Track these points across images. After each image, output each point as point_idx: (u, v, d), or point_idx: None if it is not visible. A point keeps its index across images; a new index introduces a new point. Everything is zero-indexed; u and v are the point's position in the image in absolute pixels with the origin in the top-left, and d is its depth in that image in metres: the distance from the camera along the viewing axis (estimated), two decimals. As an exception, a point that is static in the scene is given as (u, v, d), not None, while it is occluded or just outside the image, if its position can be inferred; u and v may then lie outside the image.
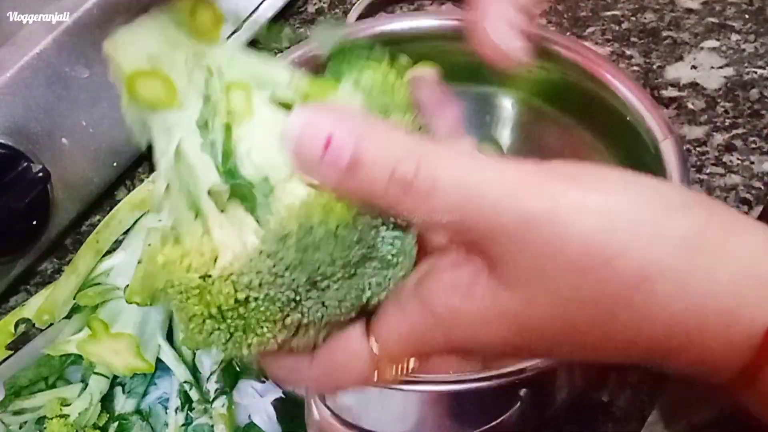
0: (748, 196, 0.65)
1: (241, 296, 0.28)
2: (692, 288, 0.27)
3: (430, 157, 0.28)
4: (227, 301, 0.28)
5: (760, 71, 0.73)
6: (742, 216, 0.29)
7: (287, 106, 0.31)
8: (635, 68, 0.74)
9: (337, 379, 0.32)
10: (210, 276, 0.28)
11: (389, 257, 0.31)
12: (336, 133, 0.28)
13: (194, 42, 0.31)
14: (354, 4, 0.63)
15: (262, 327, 0.29)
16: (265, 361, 0.33)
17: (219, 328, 0.29)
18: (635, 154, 0.52)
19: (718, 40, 0.76)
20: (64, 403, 0.53)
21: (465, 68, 0.61)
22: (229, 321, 0.29)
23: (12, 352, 0.56)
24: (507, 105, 0.62)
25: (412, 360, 0.32)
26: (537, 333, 0.30)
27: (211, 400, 0.53)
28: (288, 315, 0.29)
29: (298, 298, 0.29)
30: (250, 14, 0.77)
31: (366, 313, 0.32)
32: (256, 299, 0.29)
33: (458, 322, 0.30)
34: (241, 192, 0.30)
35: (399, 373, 0.32)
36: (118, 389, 0.55)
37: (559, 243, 0.27)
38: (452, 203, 0.28)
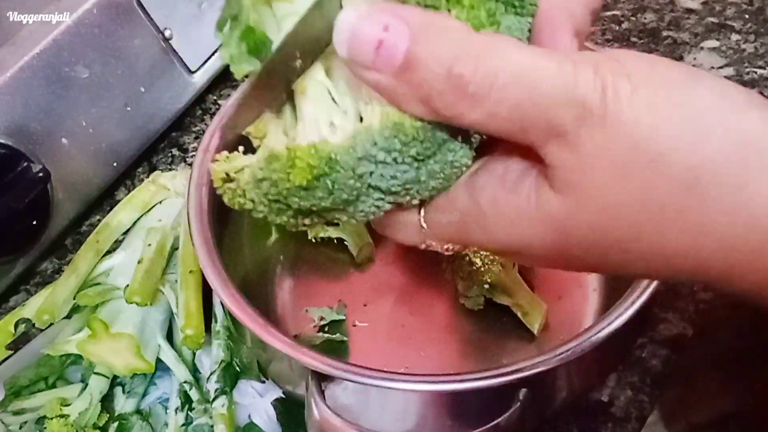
0: (748, 196, 0.65)
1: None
2: (752, 196, 0.25)
3: (489, 53, 0.27)
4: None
5: (760, 71, 0.73)
6: None
7: None
8: (635, 68, 0.74)
9: (391, 232, 0.33)
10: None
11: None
12: (391, 27, 0.26)
13: None
14: (354, 4, 0.63)
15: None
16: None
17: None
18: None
19: (718, 40, 0.76)
20: (64, 403, 0.53)
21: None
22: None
23: (12, 352, 0.56)
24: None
25: (456, 246, 0.32)
26: (577, 239, 0.28)
27: (211, 400, 0.53)
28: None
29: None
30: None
31: None
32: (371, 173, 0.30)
33: (500, 215, 0.29)
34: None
35: (445, 250, 0.32)
36: (118, 389, 0.55)
37: (607, 140, 0.26)
38: (512, 102, 0.27)
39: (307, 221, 0.32)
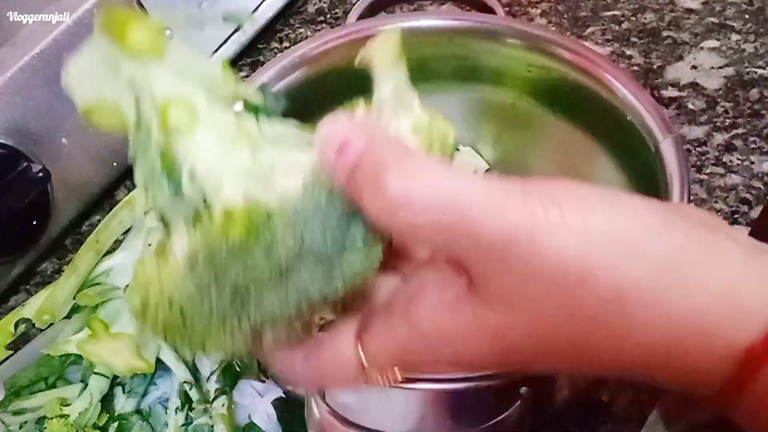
0: (748, 196, 0.65)
1: (175, 309, 0.29)
2: (669, 308, 0.28)
3: (420, 172, 0.29)
4: (168, 314, 0.29)
5: (760, 71, 0.73)
6: (723, 236, 0.30)
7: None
8: (635, 68, 0.74)
9: (329, 381, 0.34)
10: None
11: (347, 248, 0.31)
12: (351, 140, 0.30)
13: (136, 61, 0.30)
14: (354, 4, 0.63)
15: (210, 332, 0.30)
16: (264, 358, 0.34)
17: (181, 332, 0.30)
18: (635, 154, 0.52)
19: (718, 40, 0.76)
20: (64, 403, 0.53)
21: (464, 68, 0.61)
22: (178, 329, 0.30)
23: (12, 352, 0.56)
24: (506, 105, 0.62)
25: (399, 372, 0.33)
26: (516, 350, 0.31)
27: (211, 400, 0.53)
28: (229, 323, 0.30)
29: (231, 307, 0.30)
30: (251, 14, 0.77)
31: (344, 306, 0.33)
32: (190, 310, 0.29)
33: (444, 341, 0.31)
34: (182, 210, 0.30)
35: (388, 381, 0.33)
36: (118, 389, 0.55)
37: (537, 262, 0.28)
38: (435, 217, 0.29)
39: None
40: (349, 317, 0.33)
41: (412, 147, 0.32)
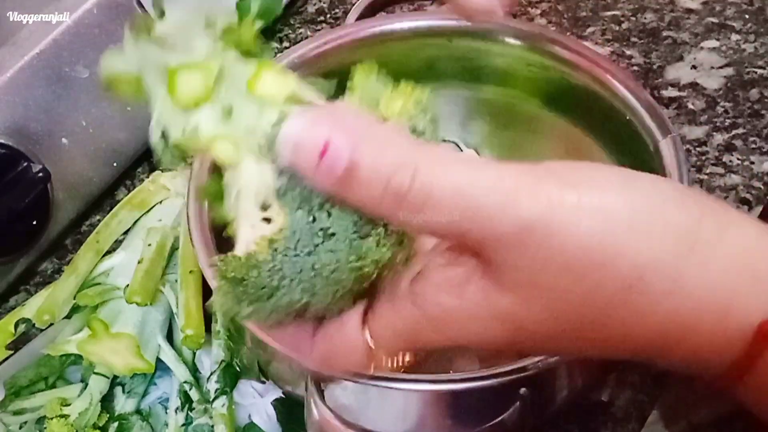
0: (748, 196, 0.65)
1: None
2: (686, 283, 0.28)
3: (426, 166, 0.28)
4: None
5: (760, 71, 0.73)
6: (735, 211, 0.30)
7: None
8: (635, 68, 0.74)
9: (335, 365, 0.33)
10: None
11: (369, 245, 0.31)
12: (333, 139, 0.27)
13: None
14: (354, 4, 0.63)
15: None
16: (274, 338, 0.34)
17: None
18: (635, 153, 0.52)
19: (718, 40, 0.76)
20: (64, 403, 0.53)
21: (464, 69, 0.61)
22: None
23: (12, 352, 0.56)
24: (506, 105, 0.62)
25: (407, 354, 0.32)
26: (529, 333, 0.30)
27: (211, 400, 0.53)
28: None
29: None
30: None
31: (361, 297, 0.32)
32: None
33: (450, 320, 0.30)
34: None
35: (395, 365, 0.32)
36: (118, 389, 0.55)
37: (555, 248, 0.28)
38: (447, 214, 0.28)
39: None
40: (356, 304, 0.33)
41: (401, 135, 0.30)
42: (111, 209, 0.64)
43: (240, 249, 0.30)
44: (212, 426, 0.52)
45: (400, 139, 0.29)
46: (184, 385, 0.54)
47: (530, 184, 0.28)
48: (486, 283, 0.29)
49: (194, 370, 0.56)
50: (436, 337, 0.31)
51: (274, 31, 0.81)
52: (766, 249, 0.28)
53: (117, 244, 0.61)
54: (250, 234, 0.30)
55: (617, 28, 0.78)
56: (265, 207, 0.30)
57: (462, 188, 0.28)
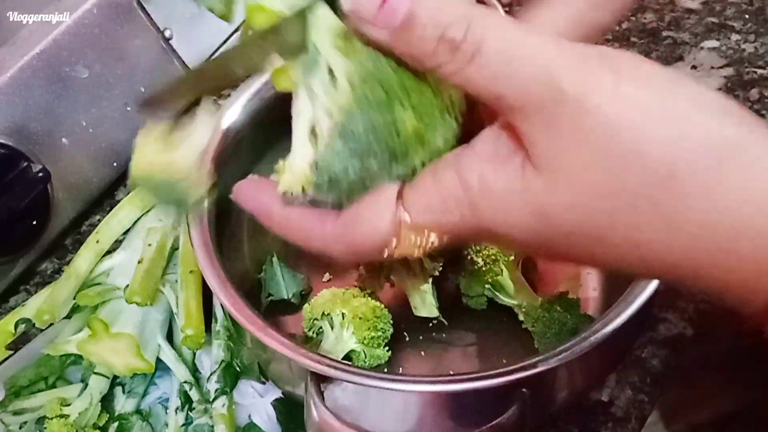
0: (748, 196, 0.65)
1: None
2: (725, 195, 0.26)
3: (480, 23, 0.28)
4: None
5: (760, 71, 0.73)
6: None
7: None
8: (635, 68, 0.74)
9: (356, 238, 0.32)
10: None
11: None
12: None
13: None
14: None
15: None
16: (290, 216, 0.33)
17: None
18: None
19: (718, 40, 0.76)
20: (64, 403, 0.53)
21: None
22: None
23: (12, 352, 0.56)
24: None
25: (433, 235, 0.31)
26: (556, 222, 0.29)
27: (211, 400, 0.53)
28: None
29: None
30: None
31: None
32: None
33: (486, 196, 0.30)
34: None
35: (418, 245, 0.31)
36: (118, 389, 0.55)
37: (586, 127, 0.27)
38: (491, 71, 0.28)
39: None
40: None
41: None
42: (111, 209, 0.64)
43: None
44: (212, 426, 0.52)
45: None
46: (184, 385, 0.54)
47: (575, 59, 0.28)
48: (525, 161, 0.29)
49: (194, 370, 0.56)
50: (468, 216, 0.30)
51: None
52: None
53: (117, 244, 0.61)
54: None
55: (617, 28, 0.78)
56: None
57: (508, 48, 0.28)
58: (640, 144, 0.26)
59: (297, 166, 0.32)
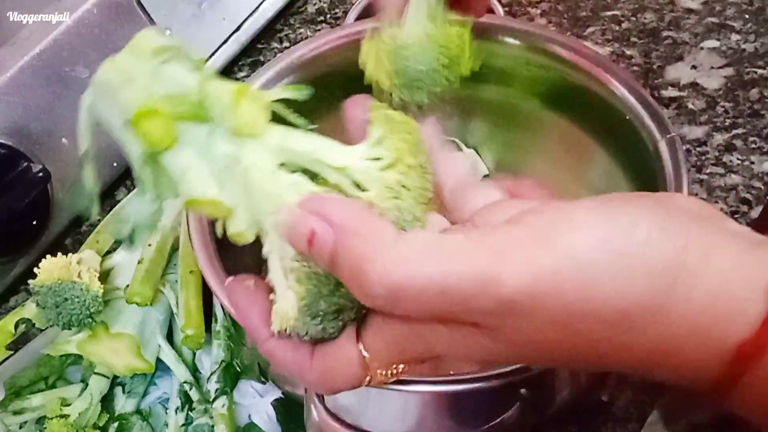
0: (748, 196, 0.65)
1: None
2: (669, 315, 0.28)
3: (399, 262, 0.29)
4: None
5: (760, 71, 0.73)
6: (717, 228, 0.30)
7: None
8: (635, 68, 0.74)
9: (333, 382, 0.34)
10: None
11: None
12: (318, 231, 0.30)
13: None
14: (354, 4, 0.63)
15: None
16: (275, 352, 0.34)
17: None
18: (634, 153, 0.52)
19: (718, 40, 0.76)
20: (64, 403, 0.53)
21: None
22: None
23: (12, 352, 0.56)
24: (505, 105, 0.62)
25: (401, 365, 0.33)
26: (511, 359, 0.33)
27: (211, 400, 0.53)
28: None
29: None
30: (251, 14, 0.77)
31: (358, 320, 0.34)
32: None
33: (436, 336, 0.31)
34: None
35: (390, 376, 0.33)
36: (118, 389, 0.55)
37: (541, 314, 0.29)
38: (430, 307, 0.29)
39: None
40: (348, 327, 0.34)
41: (380, 227, 0.31)
42: (111, 209, 0.64)
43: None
44: (212, 426, 0.52)
45: (378, 230, 0.30)
46: (184, 385, 0.54)
47: (505, 256, 0.29)
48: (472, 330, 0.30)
49: (194, 370, 0.56)
50: (423, 349, 0.32)
51: (275, 31, 0.81)
52: (743, 273, 0.29)
53: (117, 244, 0.61)
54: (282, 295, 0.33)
55: (617, 28, 0.78)
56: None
57: (437, 282, 0.29)
58: (592, 305, 0.28)
59: (282, 310, 0.33)
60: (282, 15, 0.82)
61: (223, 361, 0.53)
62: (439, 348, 0.32)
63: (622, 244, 0.28)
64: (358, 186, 0.32)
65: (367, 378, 0.33)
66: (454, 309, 0.29)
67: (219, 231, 0.33)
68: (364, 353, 0.33)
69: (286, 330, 0.33)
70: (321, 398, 0.42)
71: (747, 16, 0.78)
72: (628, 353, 0.29)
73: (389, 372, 0.33)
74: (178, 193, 0.34)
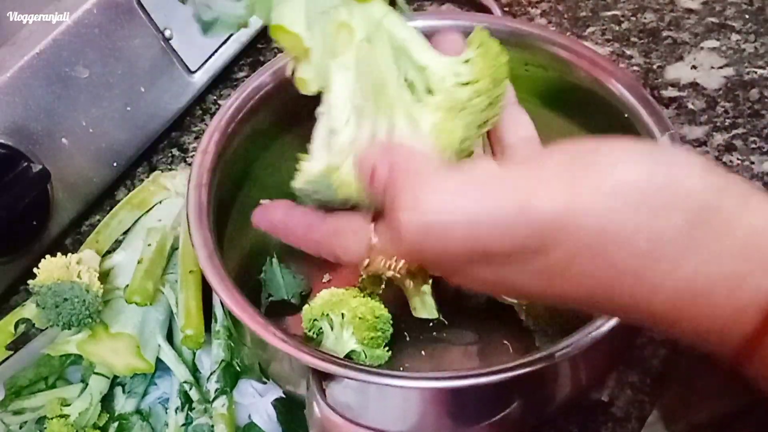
0: (748, 195, 0.65)
1: None
2: (700, 255, 0.28)
3: (436, 201, 0.31)
4: None
5: (760, 71, 0.73)
6: (758, 190, 0.29)
7: None
8: (635, 68, 0.74)
9: (336, 245, 0.36)
10: None
11: None
12: (378, 168, 0.34)
13: None
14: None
15: None
16: (291, 215, 0.38)
17: None
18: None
19: (718, 40, 0.76)
20: (64, 403, 0.53)
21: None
22: None
23: (12, 352, 0.56)
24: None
25: (401, 261, 0.35)
26: (537, 293, 0.32)
27: (211, 400, 0.53)
28: None
29: None
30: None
31: None
32: None
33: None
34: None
35: (387, 268, 0.35)
36: (118, 389, 0.55)
37: (574, 241, 0.29)
38: (465, 241, 0.30)
39: None
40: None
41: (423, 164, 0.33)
42: (111, 209, 0.64)
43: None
44: (212, 426, 0.52)
45: (427, 173, 0.33)
46: (184, 385, 0.54)
47: (541, 183, 0.29)
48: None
49: (194, 370, 0.56)
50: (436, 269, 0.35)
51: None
52: None
53: (117, 244, 0.61)
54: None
55: (617, 28, 0.78)
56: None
57: (474, 216, 0.30)
58: (625, 232, 0.29)
59: (311, 168, 0.35)
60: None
61: (223, 360, 0.53)
62: (456, 279, 0.33)
63: (662, 177, 0.29)
64: (429, 91, 0.33)
65: (366, 260, 0.35)
66: (484, 243, 0.30)
67: (288, 72, 0.34)
68: (373, 238, 0.35)
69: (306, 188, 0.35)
70: (323, 395, 0.42)
71: (747, 16, 0.78)
72: (654, 293, 0.29)
73: (389, 264, 0.34)
74: (270, 15, 0.34)
